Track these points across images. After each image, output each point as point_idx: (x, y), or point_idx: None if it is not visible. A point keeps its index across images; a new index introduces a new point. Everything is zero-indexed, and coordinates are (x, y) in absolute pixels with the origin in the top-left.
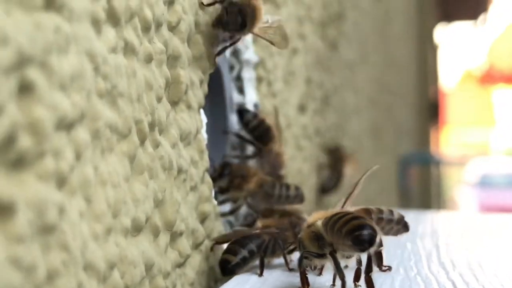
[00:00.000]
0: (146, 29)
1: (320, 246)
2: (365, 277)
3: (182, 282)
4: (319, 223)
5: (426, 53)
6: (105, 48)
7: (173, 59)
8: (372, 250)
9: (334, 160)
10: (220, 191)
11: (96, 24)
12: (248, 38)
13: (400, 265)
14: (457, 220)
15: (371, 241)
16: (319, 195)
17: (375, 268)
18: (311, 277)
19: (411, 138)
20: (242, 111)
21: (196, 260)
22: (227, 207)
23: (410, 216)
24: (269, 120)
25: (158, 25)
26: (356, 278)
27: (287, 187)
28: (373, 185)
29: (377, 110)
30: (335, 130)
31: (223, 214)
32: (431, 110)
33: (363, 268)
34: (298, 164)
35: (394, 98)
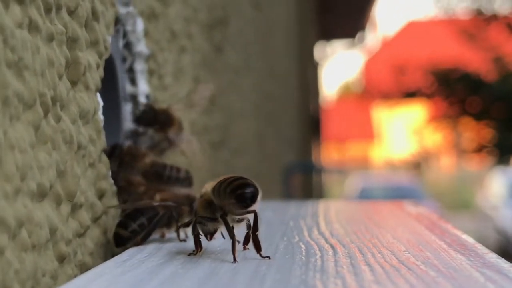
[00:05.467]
0: (48, 10)
1: (212, 211)
2: (252, 236)
3: (82, 251)
4: (209, 190)
5: (307, 69)
6: (12, 23)
7: (72, 41)
8: (254, 206)
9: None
10: (112, 172)
11: (3, 0)
12: (139, 30)
13: (284, 236)
14: (335, 205)
15: (253, 198)
16: None
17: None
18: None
19: (294, 149)
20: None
21: (95, 233)
22: None
23: (292, 205)
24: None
25: (58, 8)
26: (246, 241)
27: (178, 169)
28: None
29: (261, 118)
30: (221, 129)
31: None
32: (312, 125)
33: None
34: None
35: (277, 109)
